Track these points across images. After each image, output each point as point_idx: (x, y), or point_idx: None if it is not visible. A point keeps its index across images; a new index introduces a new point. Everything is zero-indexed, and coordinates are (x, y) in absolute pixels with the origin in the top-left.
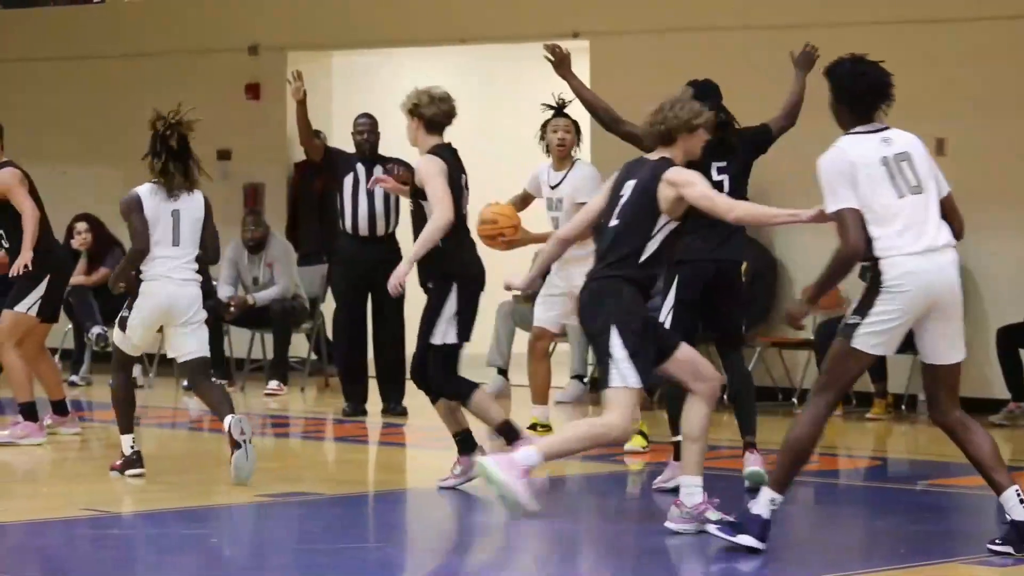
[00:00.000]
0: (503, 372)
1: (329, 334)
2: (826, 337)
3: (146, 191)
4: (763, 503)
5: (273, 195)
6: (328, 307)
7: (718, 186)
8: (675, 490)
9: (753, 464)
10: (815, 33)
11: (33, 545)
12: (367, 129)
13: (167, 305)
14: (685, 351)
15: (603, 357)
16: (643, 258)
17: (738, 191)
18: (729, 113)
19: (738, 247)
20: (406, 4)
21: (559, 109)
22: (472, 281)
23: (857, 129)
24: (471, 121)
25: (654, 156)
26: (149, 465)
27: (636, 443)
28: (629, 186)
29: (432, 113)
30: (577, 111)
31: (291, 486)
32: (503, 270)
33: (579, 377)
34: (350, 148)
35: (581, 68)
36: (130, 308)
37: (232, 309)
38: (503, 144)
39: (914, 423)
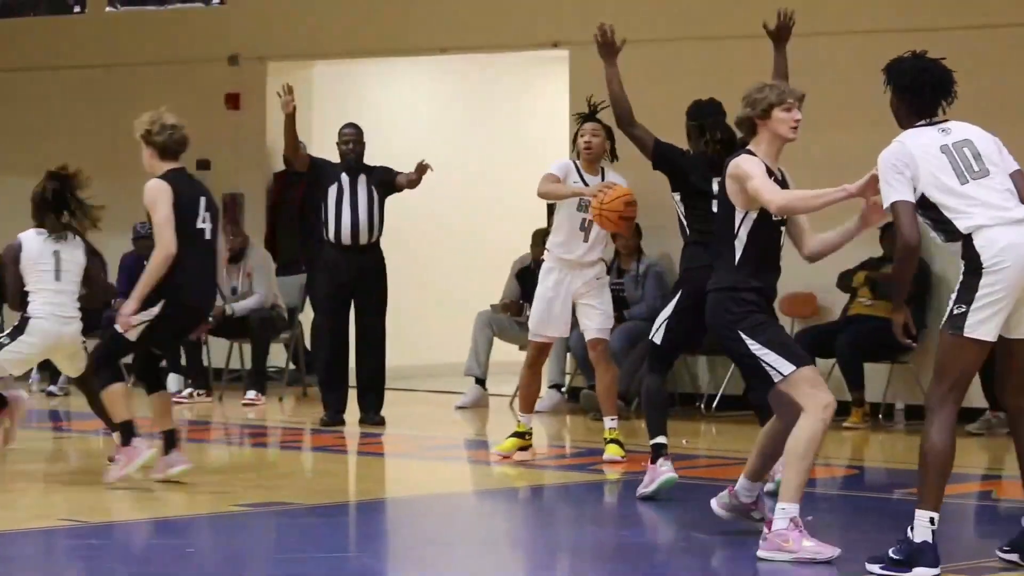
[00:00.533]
0: (481, 382)
1: (308, 344)
2: (803, 347)
3: (31, 234)
4: (922, 528)
5: (252, 205)
6: (307, 317)
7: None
8: (654, 497)
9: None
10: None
11: (10, 555)
12: (352, 139)
13: (53, 343)
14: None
15: (748, 363)
16: (737, 259)
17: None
18: (732, 130)
19: None
20: (387, 14)
21: (591, 114)
22: (182, 310)
23: (916, 124)
24: (450, 130)
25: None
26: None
27: (614, 452)
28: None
29: (163, 140)
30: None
31: (269, 496)
32: (482, 280)
33: (556, 386)
34: (331, 158)
35: (561, 78)
36: (11, 337)
37: (211, 319)
38: (482, 152)
39: (891, 432)
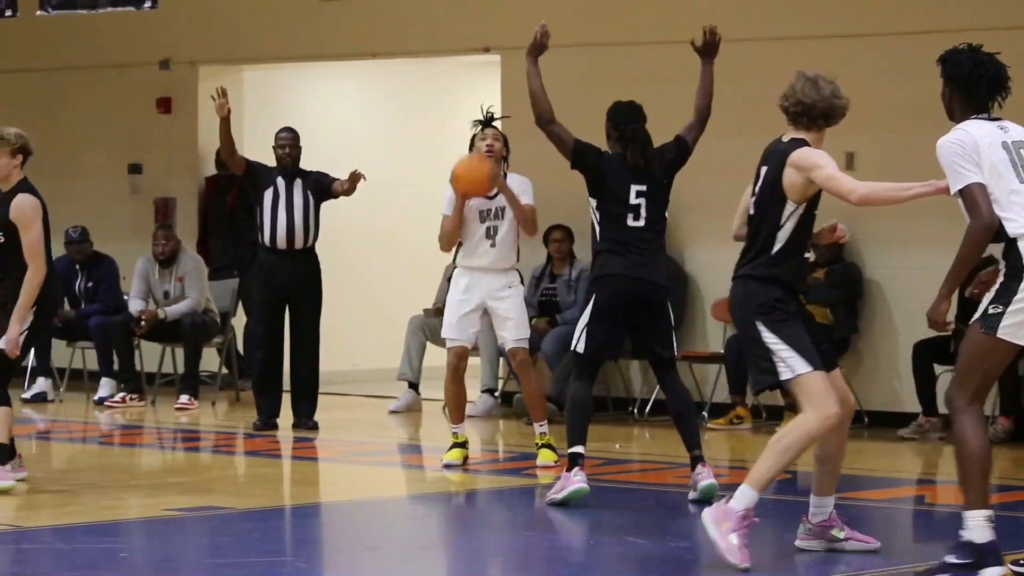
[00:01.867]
0: (414, 386)
1: (240, 348)
2: (736, 351)
3: None
4: (982, 529)
5: (184, 209)
6: (239, 321)
7: (635, 209)
8: (564, 503)
9: (707, 478)
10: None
11: None
12: (289, 143)
13: None
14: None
15: (761, 354)
16: (775, 250)
17: (658, 212)
18: (648, 135)
19: (659, 269)
20: (317, 19)
21: (487, 122)
22: (45, 315)
23: (973, 117)
24: (381, 135)
25: (785, 138)
26: (59, 479)
27: (547, 457)
28: (761, 173)
29: (28, 147)
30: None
31: (202, 500)
32: (415, 285)
33: (489, 391)
34: (261, 159)
35: (493, 82)
36: None
37: (143, 323)
38: (413, 156)
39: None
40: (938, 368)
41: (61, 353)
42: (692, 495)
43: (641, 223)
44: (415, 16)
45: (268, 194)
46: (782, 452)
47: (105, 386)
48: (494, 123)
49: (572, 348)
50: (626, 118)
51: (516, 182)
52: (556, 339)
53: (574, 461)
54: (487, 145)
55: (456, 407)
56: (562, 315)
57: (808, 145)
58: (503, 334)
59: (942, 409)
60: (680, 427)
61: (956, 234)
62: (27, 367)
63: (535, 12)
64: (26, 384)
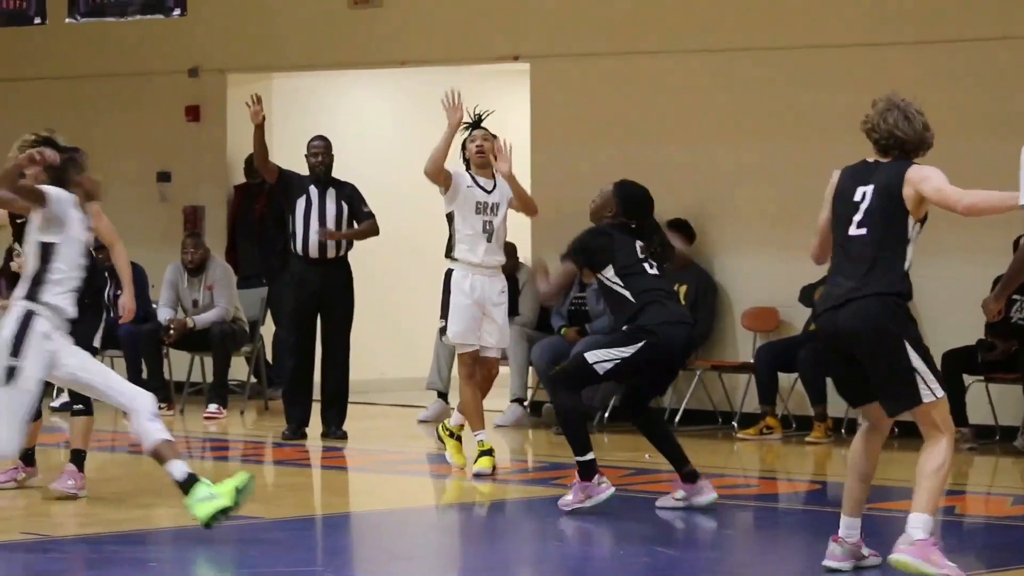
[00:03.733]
0: (443, 396)
1: (269, 357)
2: (765, 361)
3: None
4: None
5: (213, 217)
6: (268, 330)
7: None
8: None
9: (709, 492)
10: (741, 57)
11: None
12: (321, 151)
13: None
14: None
15: (904, 377)
16: (905, 266)
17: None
18: (658, 223)
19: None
20: (346, 26)
21: (476, 123)
22: None
23: None
24: (411, 143)
25: (873, 159)
26: (88, 488)
27: (485, 464)
28: (866, 192)
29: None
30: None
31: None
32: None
33: (519, 400)
34: (291, 166)
35: (522, 90)
36: None
37: (172, 332)
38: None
39: None
40: (967, 378)
41: None
42: (693, 501)
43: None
44: (445, 24)
45: (301, 203)
46: (936, 473)
47: None
48: (482, 124)
49: (587, 360)
50: (642, 211)
51: (503, 186)
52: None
53: (592, 468)
54: (477, 146)
55: (476, 412)
56: (591, 324)
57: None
58: (489, 339)
59: (972, 419)
60: (668, 451)
61: (987, 243)
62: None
63: (564, 21)
64: (55, 392)
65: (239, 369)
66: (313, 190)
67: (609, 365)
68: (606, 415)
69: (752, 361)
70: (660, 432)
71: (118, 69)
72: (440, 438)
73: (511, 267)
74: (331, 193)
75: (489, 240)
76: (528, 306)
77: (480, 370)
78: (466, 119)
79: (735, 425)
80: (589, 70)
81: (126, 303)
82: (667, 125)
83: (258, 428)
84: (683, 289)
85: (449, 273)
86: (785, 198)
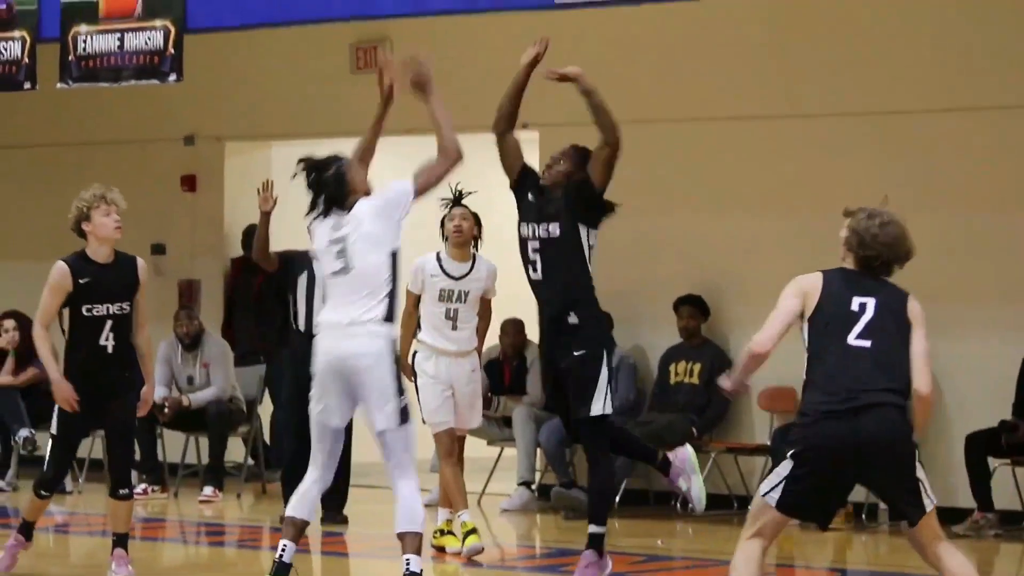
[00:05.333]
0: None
1: (267, 438)
2: (783, 444)
3: None
4: None
5: (209, 292)
6: (265, 410)
7: None
8: None
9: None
10: (756, 125)
11: None
12: None
13: None
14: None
15: (913, 487)
16: (907, 381)
17: None
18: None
19: None
20: (348, 93)
21: (456, 201)
22: None
23: None
24: (416, 211)
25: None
26: (81, 572)
27: (475, 540)
28: (865, 305)
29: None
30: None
31: None
32: None
33: (526, 484)
34: (292, 240)
35: (530, 159)
36: None
37: (166, 411)
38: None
39: (874, 533)
40: (992, 461)
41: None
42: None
43: None
44: (451, 90)
45: (302, 279)
46: None
47: None
48: (463, 202)
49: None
50: None
51: (484, 267)
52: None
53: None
54: (455, 226)
55: (459, 491)
56: None
57: None
58: (466, 419)
59: (998, 504)
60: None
61: (1010, 321)
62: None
63: (575, 88)
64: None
65: (236, 450)
66: (316, 264)
67: (607, 403)
68: (617, 500)
69: (769, 443)
70: (620, 438)
71: (111, 136)
72: (435, 547)
73: (519, 344)
74: None
75: (454, 328)
76: (536, 385)
77: (455, 450)
78: (447, 196)
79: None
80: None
81: (147, 394)
82: (679, 196)
83: (255, 512)
84: (697, 367)
85: (415, 353)
86: (799, 272)
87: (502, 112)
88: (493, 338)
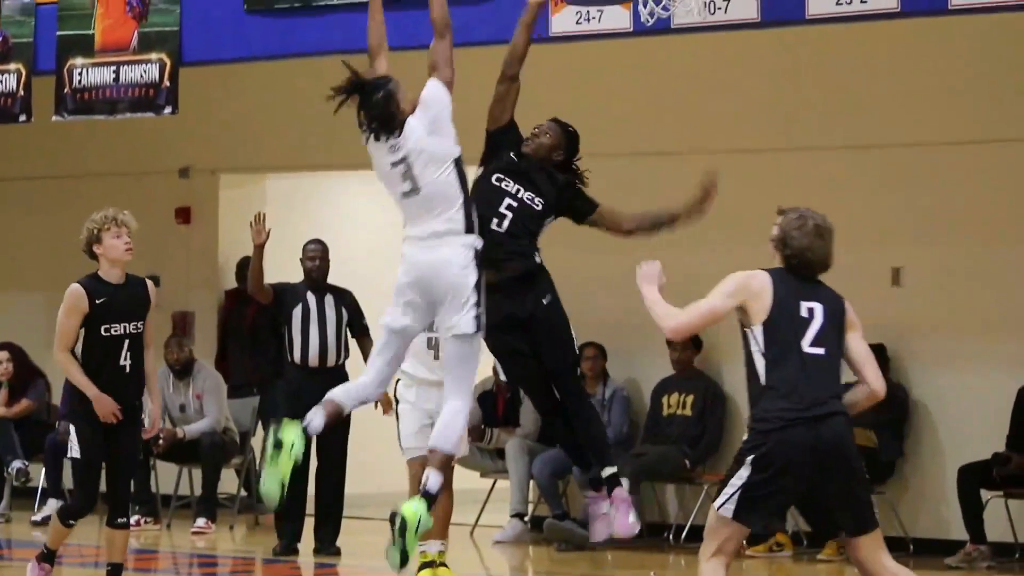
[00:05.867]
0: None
1: (260, 469)
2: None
3: None
4: None
5: (203, 324)
6: (259, 441)
7: None
8: None
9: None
10: (768, 158)
11: None
12: (319, 255)
13: None
14: None
15: (865, 499)
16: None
17: None
18: None
19: None
20: (343, 128)
21: None
22: None
23: None
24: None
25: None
26: None
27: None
28: (813, 310)
29: None
30: None
31: None
32: None
33: (519, 515)
34: (286, 272)
35: None
36: None
37: (161, 442)
38: None
39: None
40: (985, 494)
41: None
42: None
43: None
44: None
45: (297, 311)
46: None
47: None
48: None
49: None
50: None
51: None
52: None
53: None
54: None
55: (439, 519)
56: None
57: None
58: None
59: (991, 536)
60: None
61: (1005, 353)
62: (37, 488)
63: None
64: (36, 506)
65: (229, 482)
66: (310, 296)
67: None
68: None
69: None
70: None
71: (106, 169)
72: None
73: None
74: (329, 300)
75: (436, 357)
76: (529, 418)
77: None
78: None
79: (744, 542)
80: (596, 172)
81: (155, 413)
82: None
83: (248, 544)
84: (690, 399)
85: (397, 382)
86: None
87: (517, 53)
88: (487, 370)
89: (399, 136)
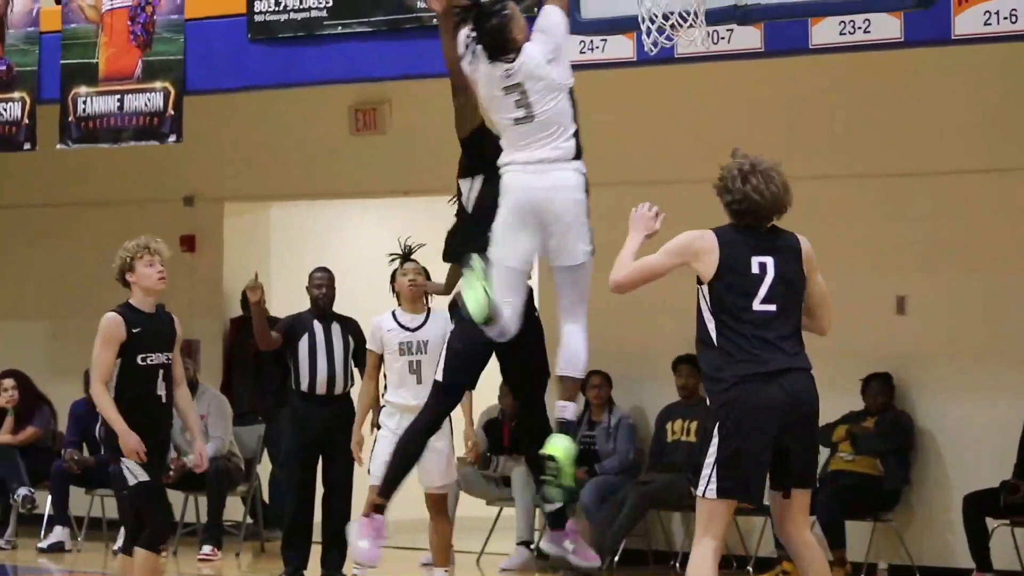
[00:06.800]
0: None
1: (266, 497)
2: None
3: None
4: None
5: (208, 352)
6: (264, 468)
7: None
8: None
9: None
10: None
11: None
12: (325, 283)
13: None
14: None
15: (817, 453)
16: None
17: None
18: None
19: None
20: (348, 154)
21: (406, 256)
22: None
23: None
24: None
25: (734, 224)
26: None
27: None
28: (767, 265)
29: None
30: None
31: None
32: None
33: (525, 543)
34: (292, 299)
35: None
36: None
37: (172, 473)
38: (446, 299)
39: None
40: (991, 522)
41: (79, 501)
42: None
43: None
44: (450, 154)
45: (303, 341)
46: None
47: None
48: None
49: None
50: None
51: (440, 316)
52: (595, 489)
53: None
54: (410, 280)
55: (438, 548)
56: (601, 464)
57: None
58: (430, 478)
59: (997, 565)
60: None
61: (1015, 380)
62: (43, 515)
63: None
64: (43, 533)
65: (234, 509)
66: (317, 326)
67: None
68: (615, 559)
69: (768, 503)
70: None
71: (110, 197)
72: None
73: (507, 405)
74: (336, 328)
75: (419, 381)
76: None
77: (431, 508)
78: (395, 251)
79: (750, 570)
80: (602, 198)
81: (201, 449)
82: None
83: (254, 571)
84: (694, 425)
85: (380, 410)
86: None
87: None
88: (492, 397)
89: (514, 61)
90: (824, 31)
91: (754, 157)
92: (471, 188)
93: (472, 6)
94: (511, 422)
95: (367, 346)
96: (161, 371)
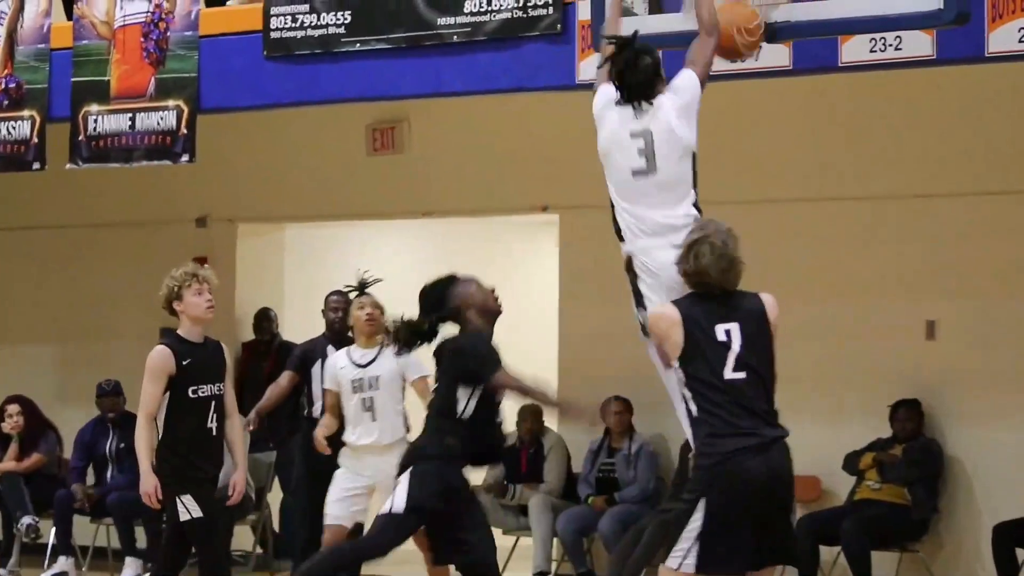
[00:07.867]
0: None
1: (276, 526)
2: (806, 533)
3: None
4: None
5: None
6: (275, 497)
7: None
8: None
9: None
10: (800, 208)
11: None
12: (342, 307)
13: None
14: None
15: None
16: None
17: None
18: None
19: None
20: (364, 175)
21: (362, 288)
22: None
23: None
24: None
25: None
26: None
27: None
28: (732, 332)
29: None
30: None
31: None
32: None
33: (542, 574)
34: (307, 322)
35: (551, 242)
36: None
37: None
38: None
39: None
40: (1021, 552)
41: (84, 530)
42: None
43: None
44: (470, 173)
45: (317, 367)
46: None
47: (130, 567)
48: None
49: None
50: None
51: (390, 352)
52: (614, 519)
53: None
54: (367, 314)
55: None
56: (621, 493)
57: None
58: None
59: None
60: None
61: None
62: (47, 544)
63: (596, 170)
64: (46, 563)
65: (244, 538)
66: (331, 351)
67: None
68: None
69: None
70: None
71: (121, 218)
72: None
73: (536, 430)
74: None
75: (373, 419)
76: (554, 473)
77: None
78: (351, 283)
79: None
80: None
81: (239, 481)
82: None
83: None
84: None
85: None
86: (828, 359)
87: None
88: (511, 423)
89: (650, 107)
90: (854, 48)
91: (709, 228)
92: None
93: (627, 44)
94: (529, 448)
95: (324, 385)
96: (213, 403)
